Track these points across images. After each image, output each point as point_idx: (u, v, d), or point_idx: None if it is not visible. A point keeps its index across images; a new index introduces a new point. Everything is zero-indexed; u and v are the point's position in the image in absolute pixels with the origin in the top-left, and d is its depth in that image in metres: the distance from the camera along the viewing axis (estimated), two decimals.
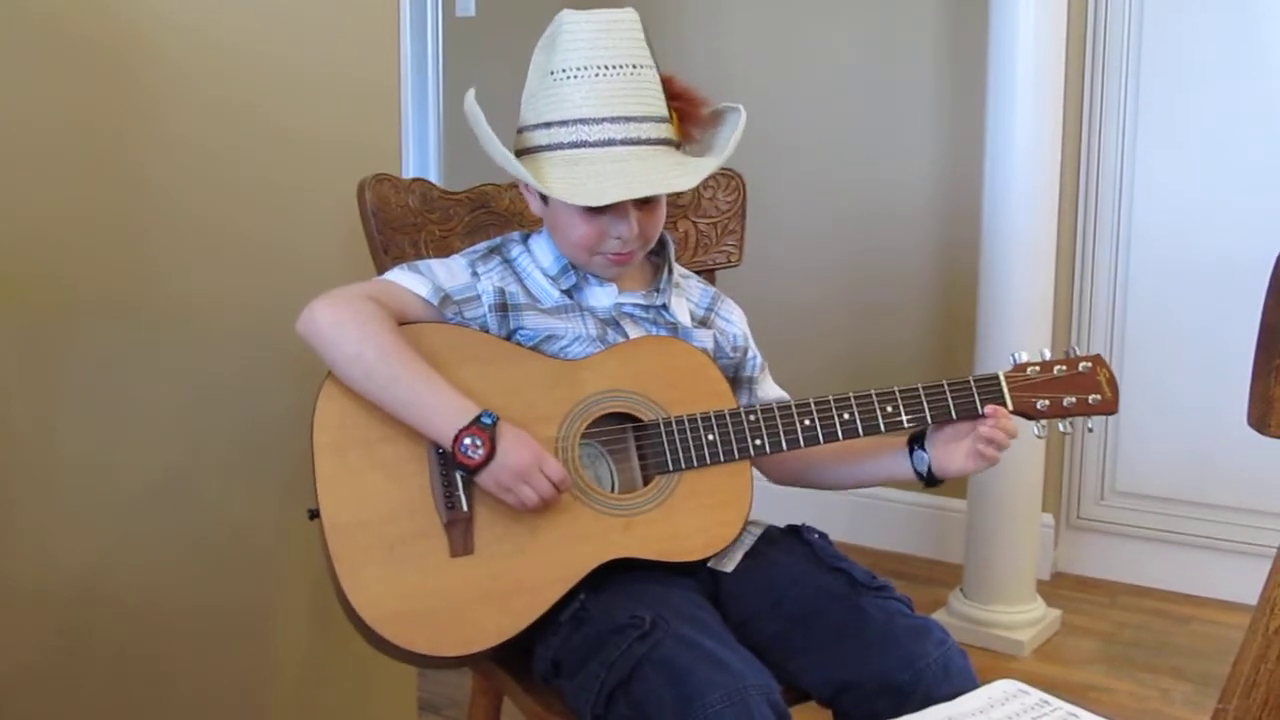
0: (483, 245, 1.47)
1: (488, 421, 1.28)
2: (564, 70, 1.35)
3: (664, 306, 1.47)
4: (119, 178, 1.56)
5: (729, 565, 1.41)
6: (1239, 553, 2.73)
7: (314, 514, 1.30)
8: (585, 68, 1.35)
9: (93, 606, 1.60)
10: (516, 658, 1.36)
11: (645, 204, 1.38)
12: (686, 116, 1.42)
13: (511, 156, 1.38)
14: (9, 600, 1.52)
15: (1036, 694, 0.98)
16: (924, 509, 3.03)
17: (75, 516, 1.57)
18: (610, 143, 1.34)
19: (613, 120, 1.34)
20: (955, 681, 1.27)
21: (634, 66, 1.36)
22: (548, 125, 1.37)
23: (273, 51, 1.70)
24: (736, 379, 1.52)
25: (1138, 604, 2.79)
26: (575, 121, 1.35)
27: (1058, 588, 2.85)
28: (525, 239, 1.48)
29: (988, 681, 1.05)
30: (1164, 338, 2.78)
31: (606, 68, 1.35)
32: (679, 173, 1.36)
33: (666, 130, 1.38)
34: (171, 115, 1.60)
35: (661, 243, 1.50)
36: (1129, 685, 2.41)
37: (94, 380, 1.57)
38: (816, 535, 1.46)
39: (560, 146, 1.36)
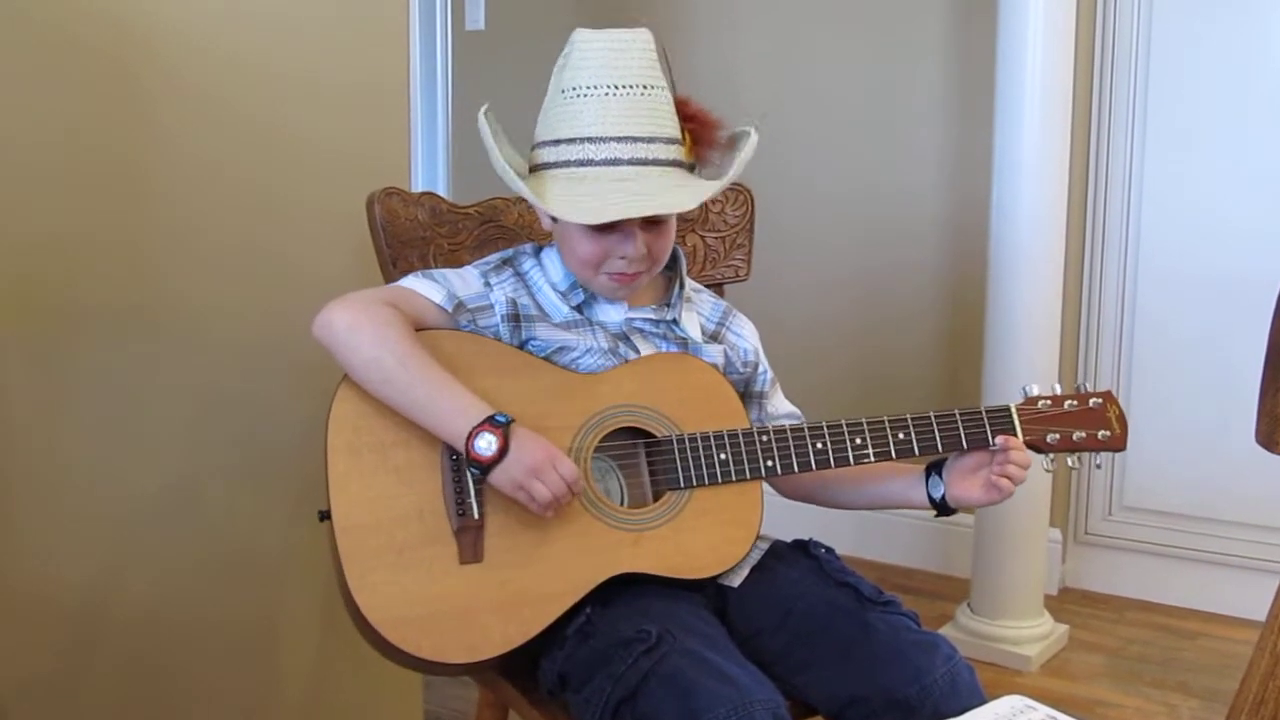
0: (495, 256, 1.47)
1: (502, 420, 1.28)
2: (574, 89, 1.36)
3: (674, 321, 1.47)
4: (127, 189, 1.57)
5: (736, 580, 1.41)
6: (1247, 568, 2.72)
7: (324, 515, 1.30)
8: (595, 86, 1.35)
9: (98, 617, 1.61)
10: (522, 671, 1.36)
11: (652, 224, 1.38)
12: (701, 140, 1.41)
13: (512, 172, 1.38)
14: (14, 611, 1.52)
15: (1044, 709, 0.98)
16: (931, 524, 3.01)
17: (81, 527, 1.57)
18: (616, 162, 1.34)
19: (619, 140, 1.35)
20: (962, 697, 1.27)
21: (645, 87, 1.36)
22: (556, 143, 1.37)
23: (282, 64, 1.71)
24: (746, 394, 1.52)
25: (1145, 619, 2.78)
26: (582, 140, 1.35)
27: (1065, 603, 2.85)
28: (537, 252, 1.48)
29: (995, 697, 1.05)
30: (1172, 352, 2.78)
31: (616, 87, 1.35)
32: (681, 194, 1.35)
33: (677, 151, 1.38)
34: (180, 127, 1.61)
35: (674, 257, 1.50)
36: (1136, 701, 2.40)
37: (100, 391, 1.57)
38: (824, 550, 1.46)
39: (567, 164, 1.36)
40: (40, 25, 1.47)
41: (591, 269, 1.41)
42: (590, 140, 1.35)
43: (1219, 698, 2.38)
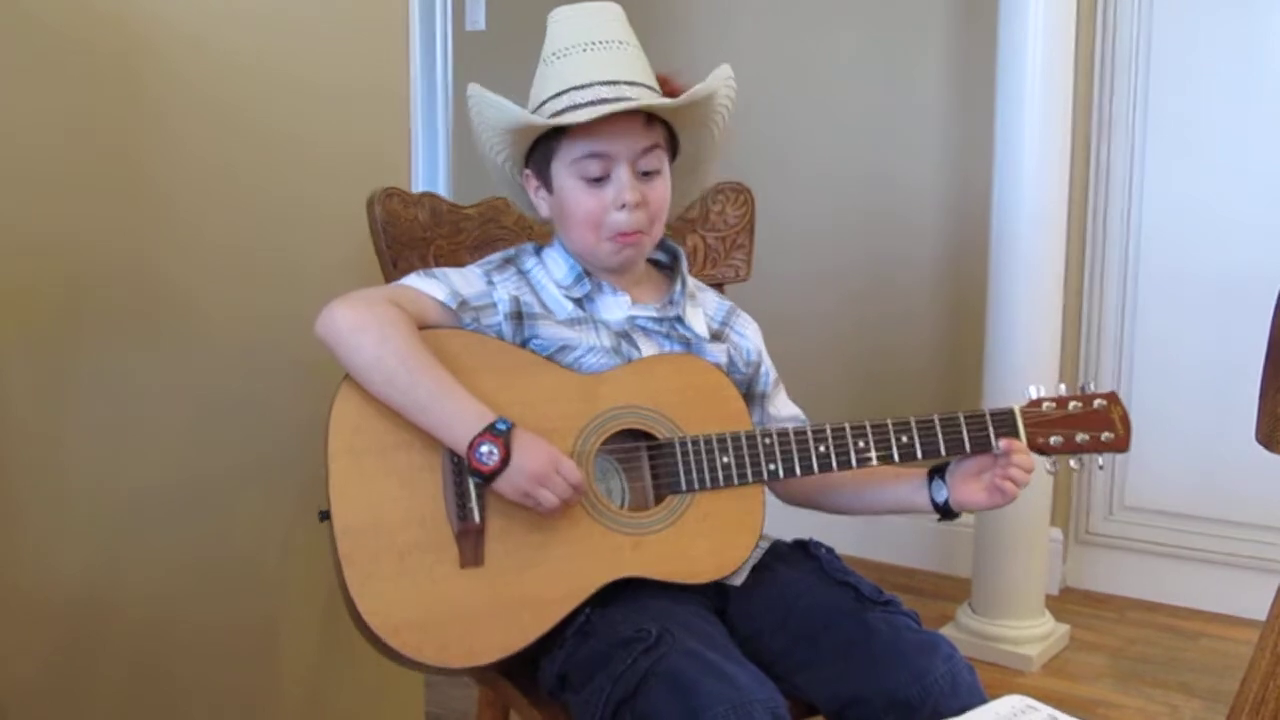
0: (497, 256, 1.47)
1: (502, 428, 1.28)
2: (554, 54, 1.40)
3: (678, 319, 1.47)
4: (127, 190, 1.57)
5: (737, 579, 1.41)
6: (1248, 568, 2.72)
7: (324, 515, 1.30)
8: (573, 45, 1.39)
9: (98, 618, 1.60)
10: (523, 671, 1.36)
11: (645, 175, 1.40)
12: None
13: (503, 100, 1.39)
14: (14, 611, 1.52)
15: (1045, 710, 0.98)
16: (931, 524, 3.00)
17: (81, 527, 1.57)
18: (602, 101, 1.36)
19: (603, 83, 1.37)
20: (963, 697, 1.26)
21: (620, 42, 1.40)
22: (542, 103, 1.40)
23: (283, 64, 1.71)
24: (749, 394, 1.52)
25: (1147, 619, 2.78)
26: (569, 90, 1.38)
27: (1066, 603, 2.85)
28: (538, 250, 1.48)
29: (996, 697, 1.05)
30: (1172, 351, 2.78)
31: (593, 43, 1.39)
32: (663, 100, 1.38)
33: (657, 100, 1.40)
34: (181, 127, 1.61)
35: (674, 255, 1.51)
36: (1138, 701, 2.40)
37: (101, 391, 1.57)
38: (824, 549, 1.46)
39: (555, 115, 1.38)
40: (41, 25, 1.47)
41: (593, 232, 1.41)
42: (575, 88, 1.37)
43: (1221, 698, 2.38)
